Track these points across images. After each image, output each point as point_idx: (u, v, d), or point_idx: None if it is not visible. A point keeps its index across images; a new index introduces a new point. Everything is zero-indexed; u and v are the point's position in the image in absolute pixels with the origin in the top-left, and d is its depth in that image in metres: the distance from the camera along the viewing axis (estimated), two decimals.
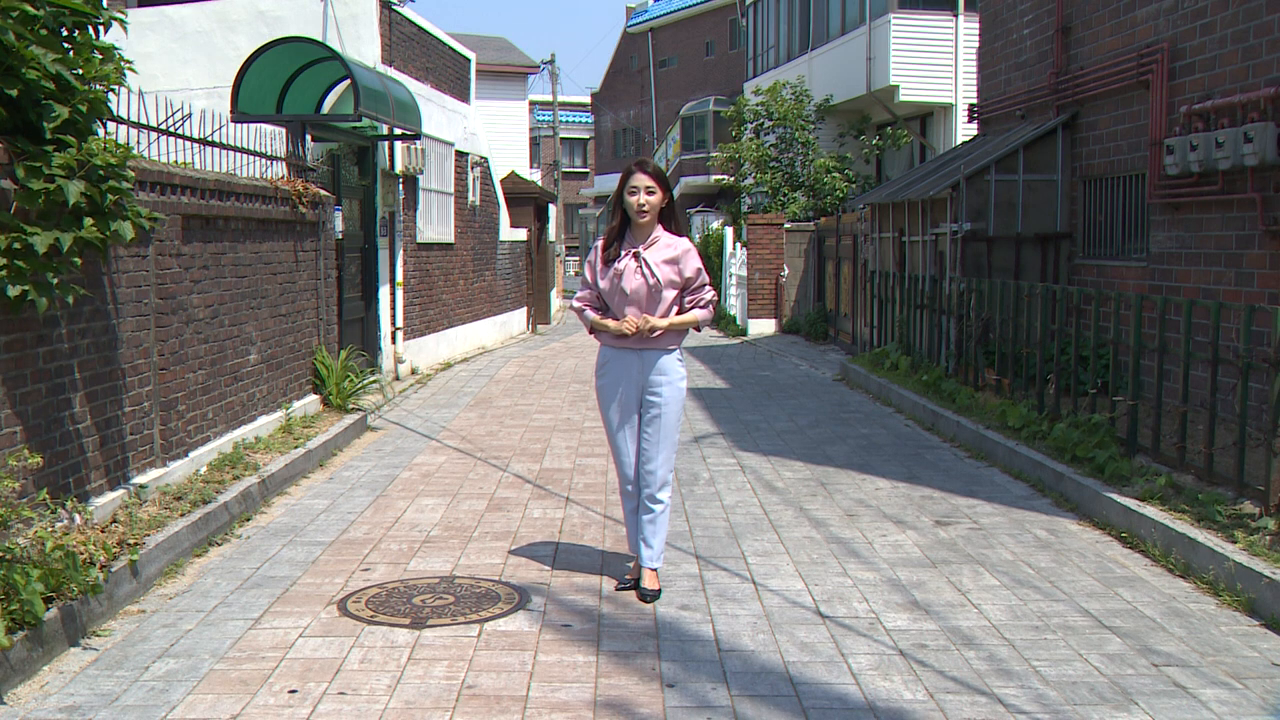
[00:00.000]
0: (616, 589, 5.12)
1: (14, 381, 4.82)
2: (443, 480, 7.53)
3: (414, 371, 13.34)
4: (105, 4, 5.37)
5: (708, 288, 5.06)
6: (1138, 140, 9.87)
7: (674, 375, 5.02)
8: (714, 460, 8.22)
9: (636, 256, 4.93)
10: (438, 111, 14.21)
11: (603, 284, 5.01)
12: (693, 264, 4.98)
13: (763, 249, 19.52)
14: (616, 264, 4.95)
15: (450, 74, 15.59)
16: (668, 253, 4.96)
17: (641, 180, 4.90)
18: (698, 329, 5.12)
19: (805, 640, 4.47)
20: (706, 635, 4.53)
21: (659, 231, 4.98)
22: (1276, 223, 7.77)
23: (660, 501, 5.06)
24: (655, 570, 5.10)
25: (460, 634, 4.54)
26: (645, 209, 4.90)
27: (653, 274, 4.89)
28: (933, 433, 9.33)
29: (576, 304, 5.16)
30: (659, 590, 5.02)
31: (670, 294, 4.95)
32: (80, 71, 5.01)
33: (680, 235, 5.01)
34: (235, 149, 8.05)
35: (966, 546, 5.87)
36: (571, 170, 49.18)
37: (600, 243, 5.06)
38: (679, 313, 5.01)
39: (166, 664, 4.21)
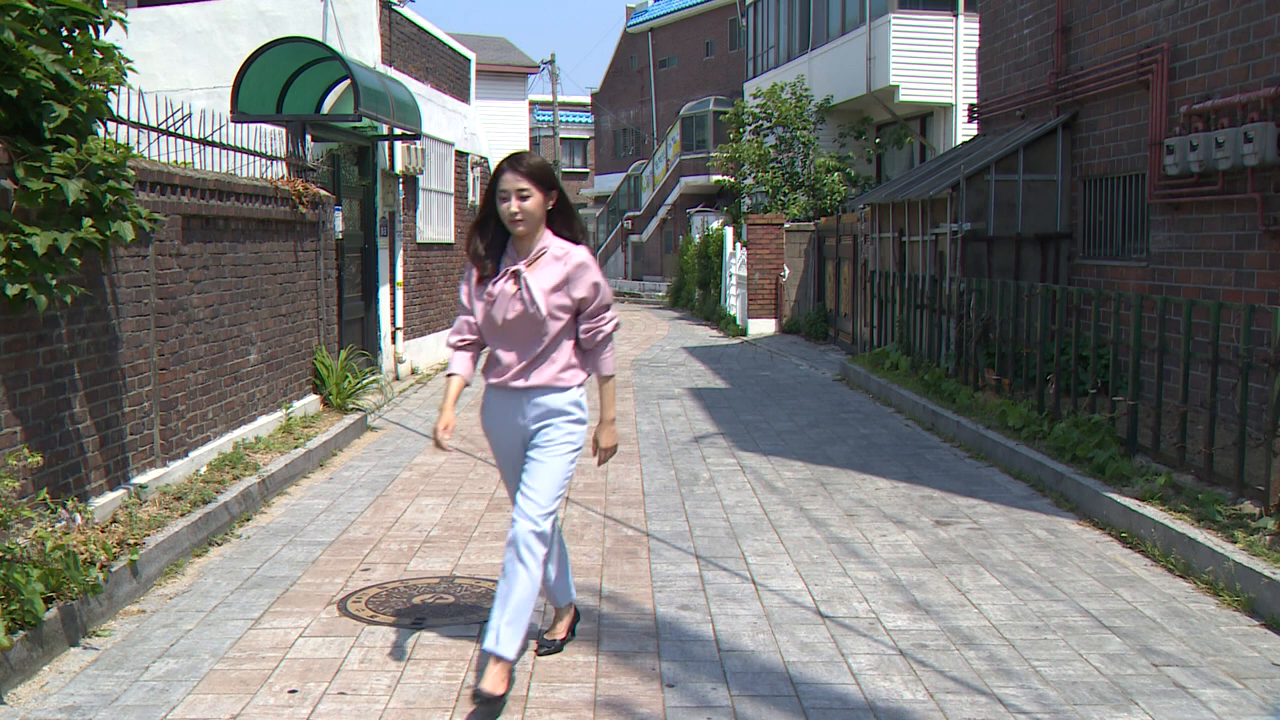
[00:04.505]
0: (537, 653, 4.29)
1: (14, 381, 4.82)
2: (443, 480, 7.53)
3: (414, 371, 13.34)
4: (105, 4, 5.36)
5: (608, 313, 3.99)
6: (1138, 140, 9.87)
7: (568, 419, 3.96)
8: (714, 460, 8.22)
9: (516, 277, 3.86)
10: (438, 111, 14.20)
11: (476, 310, 3.99)
12: (587, 280, 3.89)
13: (763, 249, 19.52)
14: (491, 285, 3.91)
15: (450, 74, 15.59)
16: (555, 270, 3.88)
17: (512, 182, 3.81)
18: (602, 376, 4.04)
19: (805, 640, 4.47)
20: (706, 635, 4.53)
21: (547, 240, 3.91)
22: (1276, 223, 7.77)
23: (520, 556, 3.79)
24: (504, 661, 3.76)
25: (460, 634, 4.54)
26: (519, 218, 3.82)
27: (533, 300, 3.82)
28: (933, 433, 9.33)
29: (452, 339, 4.10)
30: (500, 696, 3.73)
31: (556, 325, 3.88)
32: (80, 71, 5.01)
33: (578, 242, 3.95)
34: (235, 149, 8.05)
35: (966, 546, 5.87)
36: (571, 170, 49.18)
37: (473, 250, 4.02)
38: (575, 347, 3.99)
39: (166, 664, 4.21)
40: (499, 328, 3.93)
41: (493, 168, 4.19)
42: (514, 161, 3.86)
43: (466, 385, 4.13)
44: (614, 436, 4.13)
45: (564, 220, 3.97)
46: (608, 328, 4.00)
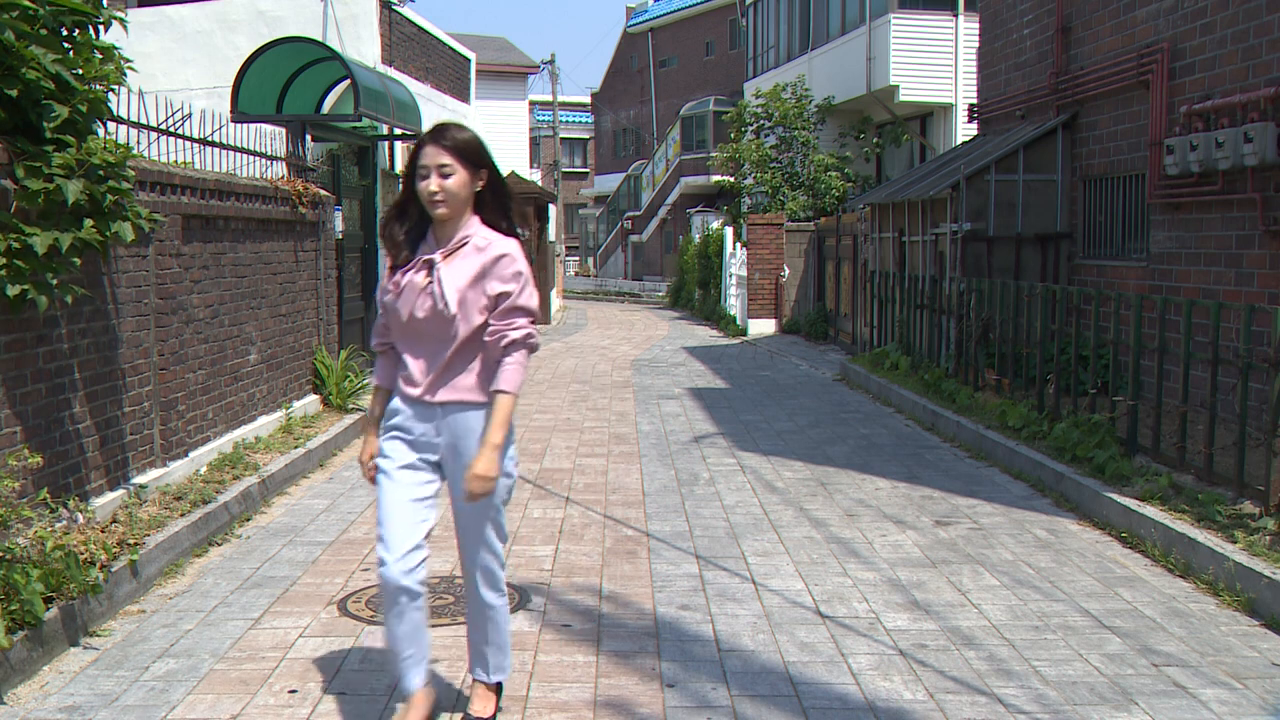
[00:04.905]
0: None
1: (14, 381, 4.82)
2: None
3: None
4: (105, 4, 5.37)
5: (521, 315, 3.33)
6: (1138, 140, 9.87)
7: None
8: (714, 460, 8.22)
9: (429, 268, 3.35)
10: (438, 111, 14.21)
11: (384, 301, 3.46)
12: (508, 273, 3.32)
13: (763, 249, 19.52)
14: (402, 275, 3.40)
15: (450, 74, 15.58)
16: (473, 262, 3.32)
17: (433, 156, 3.28)
18: (504, 393, 3.31)
19: (805, 640, 4.47)
20: (706, 635, 4.53)
21: (474, 228, 3.37)
22: (1276, 223, 7.77)
23: (489, 603, 3.55)
24: (492, 687, 3.69)
25: (460, 634, 4.54)
26: (439, 198, 3.29)
27: (443, 295, 3.29)
28: (933, 433, 9.33)
29: (374, 341, 3.59)
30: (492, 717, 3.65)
31: (469, 328, 3.32)
32: (80, 71, 5.01)
33: (509, 234, 3.41)
34: (235, 149, 8.05)
35: (966, 546, 5.87)
36: (571, 170, 49.20)
37: (388, 234, 3.49)
38: (483, 357, 3.37)
39: (166, 664, 4.21)
40: (405, 326, 3.40)
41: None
42: (437, 133, 3.32)
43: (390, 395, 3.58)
44: (492, 467, 3.28)
45: (496, 207, 3.41)
46: (515, 334, 3.32)
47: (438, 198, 3.30)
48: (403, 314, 3.37)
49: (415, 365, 3.41)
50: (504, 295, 3.32)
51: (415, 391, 3.40)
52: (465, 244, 3.36)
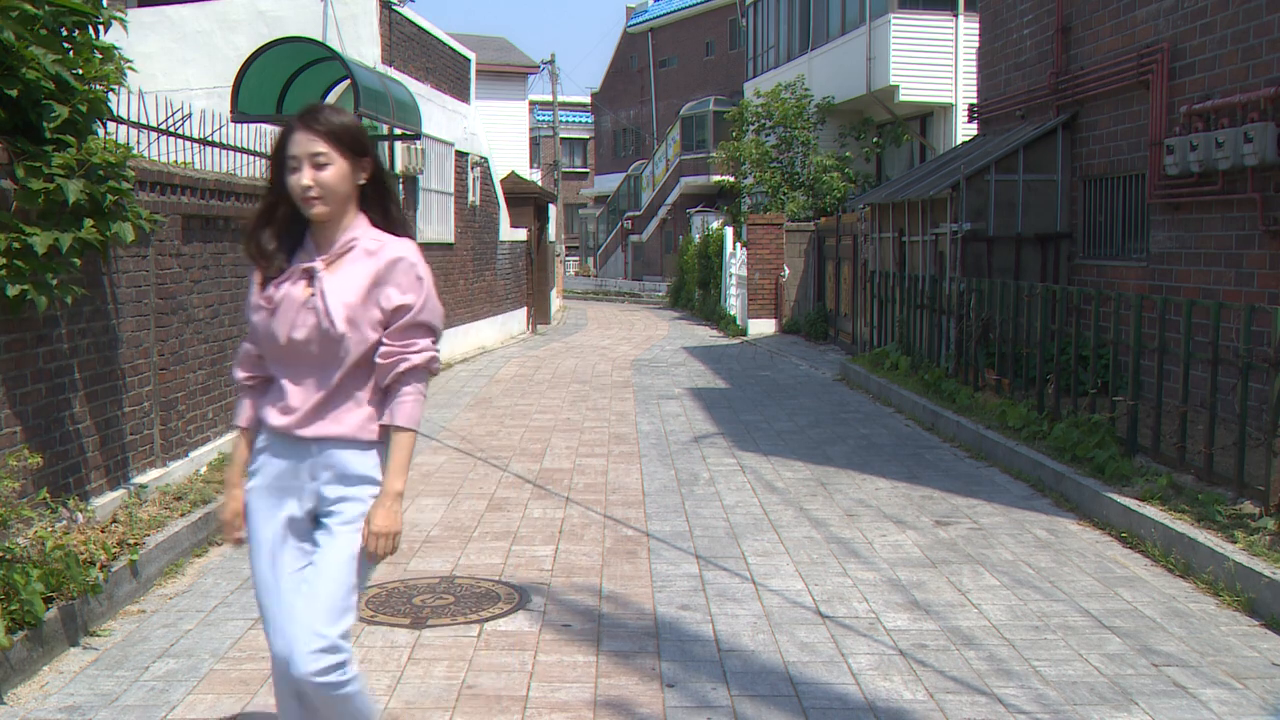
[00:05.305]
0: None
1: (14, 381, 4.82)
2: (442, 480, 7.53)
3: None
4: (105, 4, 5.37)
5: (421, 334, 2.79)
6: (1138, 140, 9.87)
7: (373, 487, 2.81)
8: (714, 460, 8.22)
9: (309, 278, 2.78)
10: (438, 111, 14.21)
11: (254, 321, 2.84)
12: (404, 279, 2.77)
13: (763, 249, 19.53)
14: (275, 288, 2.80)
15: (450, 74, 15.59)
16: (363, 269, 2.77)
17: (304, 144, 2.71)
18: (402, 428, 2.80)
19: (805, 640, 4.47)
20: (706, 635, 4.53)
21: (359, 230, 2.82)
22: (1276, 223, 7.77)
23: (326, 684, 2.74)
24: None
25: (460, 634, 4.54)
26: (314, 194, 2.72)
27: (327, 310, 2.72)
28: (933, 433, 9.33)
29: (238, 373, 2.94)
30: None
31: (361, 349, 2.76)
32: (80, 71, 5.02)
33: (401, 234, 2.86)
34: (235, 149, 8.05)
35: (966, 546, 5.87)
36: (571, 170, 49.19)
37: (255, 243, 2.85)
38: (375, 386, 2.80)
39: (167, 664, 4.21)
40: (282, 348, 2.78)
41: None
42: (308, 117, 2.74)
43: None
44: (394, 519, 2.79)
45: (378, 203, 2.86)
46: (416, 358, 2.77)
47: (312, 194, 2.72)
48: (279, 335, 2.76)
49: (292, 393, 2.79)
50: (403, 309, 2.76)
51: (286, 422, 2.79)
52: (352, 248, 2.79)
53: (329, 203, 2.75)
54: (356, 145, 2.77)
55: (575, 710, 3.80)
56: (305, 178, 2.71)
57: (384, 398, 2.82)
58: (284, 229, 2.82)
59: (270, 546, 2.84)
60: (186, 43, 12.35)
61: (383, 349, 2.77)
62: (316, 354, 2.76)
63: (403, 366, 2.77)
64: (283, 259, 2.81)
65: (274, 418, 2.82)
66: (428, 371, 2.82)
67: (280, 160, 2.76)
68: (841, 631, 4.58)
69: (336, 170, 2.73)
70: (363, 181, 2.81)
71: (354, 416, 2.79)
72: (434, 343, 2.83)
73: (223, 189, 7.30)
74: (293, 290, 2.77)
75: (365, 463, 2.81)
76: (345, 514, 2.79)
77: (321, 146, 2.71)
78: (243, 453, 2.95)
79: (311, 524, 2.85)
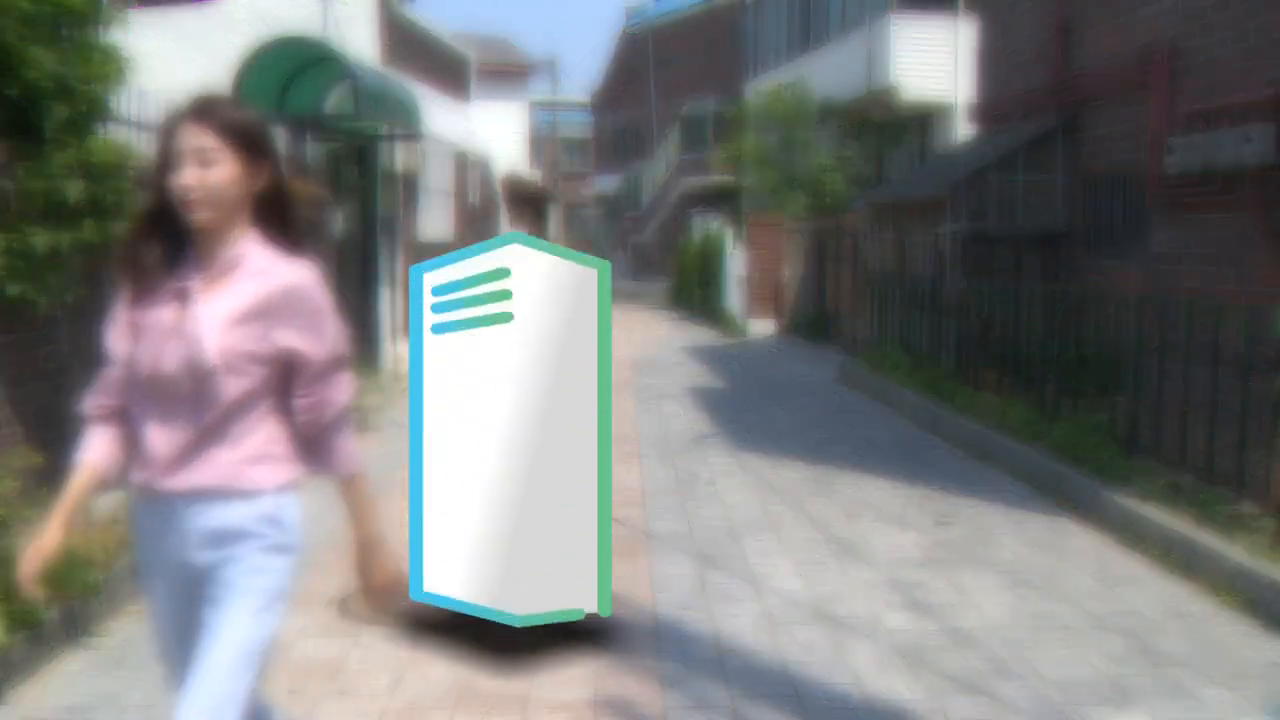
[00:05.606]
0: None
1: (15, 381, 4.82)
2: None
3: None
4: (105, 4, 5.37)
5: (335, 370, 2.45)
6: (1138, 140, 9.86)
7: (259, 545, 2.39)
8: (714, 460, 8.21)
9: (182, 299, 2.36)
10: (438, 111, 14.21)
11: (119, 354, 2.46)
12: (305, 317, 2.38)
13: (763, 249, 19.53)
14: (142, 310, 2.40)
15: (450, 74, 15.60)
16: (247, 291, 2.35)
17: (192, 137, 2.31)
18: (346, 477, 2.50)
19: (805, 640, 4.47)
20: (706, 635, 4.53)
21: (249, 245, 2.40)
22: (1277, 223, 7.77)
23: None
24: None
25: (460, 634, 4.54)
26: (195, 197, 2.31)
27: (199, 342, 2.31)
28: (933, 433, 9.33)
29: (87, 403, 2.51)
30: None
31: (238, 385, 2.33)
32: (80, 71, 5.01)
33: (299, 255, 2.43)
34: None
35: (966, 546, 5.87)
36: (571, 170, 49.20)
37: (127, 253, 2.45)
38: (279, 423, 2.43)
39: None
40: (145, 383, 2.37)
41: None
42: (200, 107, 2.34)
43: (104, 482, 2.45)
44: (383, 569, 2.54)
45: (276, 216, 2.43)
46: (341, 398, 2.46)
47: (193, 196, 2.30)
48: (142, 367, 2.36)
49: (157, 439, 2.36)
50: (308, 356, 2.38)
51: (145, 476, 2.38)
52: (238, 265, 2.36)
53: (213, 208, 2.32)
54: (254, 145, 2.37)
55: (575, 710, 3.80)
56: (187, 176, 2.30)
57: (309, 447, 2.47)
58: (168, 239, 2.37)
59: (166, 614, 2.50)
60: (186, 42, 12.36)
61: (300, 401, 2.42)
62: (186, 392, 2.32)
63: (327, 415, 2.45)
64: (158, 274, 2.37)
65: (139, 475, 2.39)
66: (347, 412, 2.49)
67: (164, 155, 2.33)
68: (841, 631, 4.58)
69: (226, 171, 2.32)
70: (259, 189, 2.40)
71: (227, 462, 2.34)
72: (338, 379, 2.47)
73: None
74: (162, 314, 2.35)
75: (242, 516, 2.35)
76: (229, 581, 2.35)
77: (211, 142, 2.31)
78: (75, 493, 2.40)
79: (196, 594, 2.39)
